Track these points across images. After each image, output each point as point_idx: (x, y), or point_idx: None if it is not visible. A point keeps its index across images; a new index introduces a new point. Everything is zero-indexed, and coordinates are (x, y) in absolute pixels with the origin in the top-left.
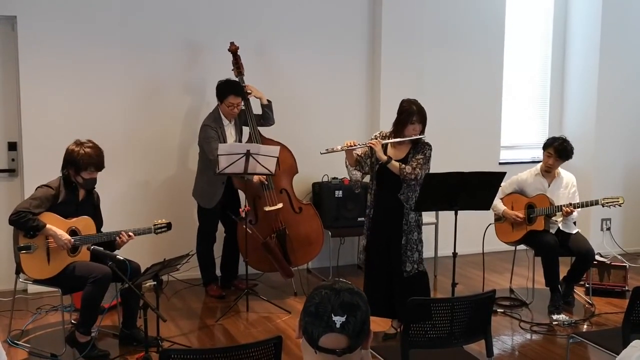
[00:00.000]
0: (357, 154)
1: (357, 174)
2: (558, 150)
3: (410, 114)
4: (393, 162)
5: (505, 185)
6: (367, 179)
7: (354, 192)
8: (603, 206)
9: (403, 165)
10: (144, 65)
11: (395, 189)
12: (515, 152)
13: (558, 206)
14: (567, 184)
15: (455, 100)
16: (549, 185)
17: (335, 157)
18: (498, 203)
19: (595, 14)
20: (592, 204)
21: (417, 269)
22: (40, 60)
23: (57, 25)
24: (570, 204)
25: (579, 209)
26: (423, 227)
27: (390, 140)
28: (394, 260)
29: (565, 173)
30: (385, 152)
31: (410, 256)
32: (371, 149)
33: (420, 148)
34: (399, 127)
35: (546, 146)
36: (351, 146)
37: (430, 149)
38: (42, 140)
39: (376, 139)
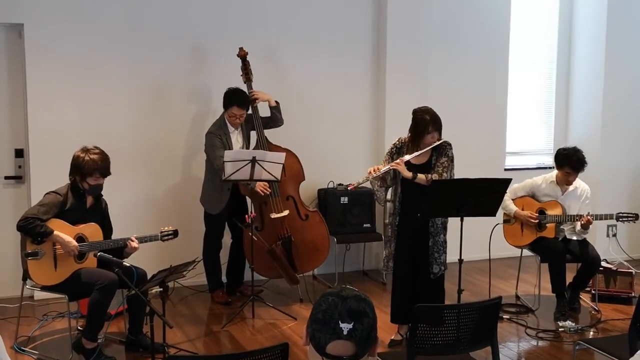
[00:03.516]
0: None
1: (382, 190)
2: (575, 167)
3: (426, 124)
4: (419, 176)
5: (518, 188)
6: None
7: (360, 198)
8: (618, 220)
9: (430, 176)
10: (151, 71)
11: (422, 194)
12: (521, 158)
13: (571, 216)
14: (582, 195)
15: (460, 106)
16: (562, 194)
17: (340, 162)
18: (510, 204)
19: (601, 19)
20: (606, 218)
21: (443, 271)
22: (47, 67)
23: (64, 32)
24: (589, 214)
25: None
26: None
27: (412, 156)
28: (421, 263)
29: (580, 183)
30: (407, 164)
31: (437, 258)
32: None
33: (442, 150)
34: (416, 138)
35: (562, 165)
36: (375, 173)
37: (451, 148)
38: (49, 147)
39: (395, 147)
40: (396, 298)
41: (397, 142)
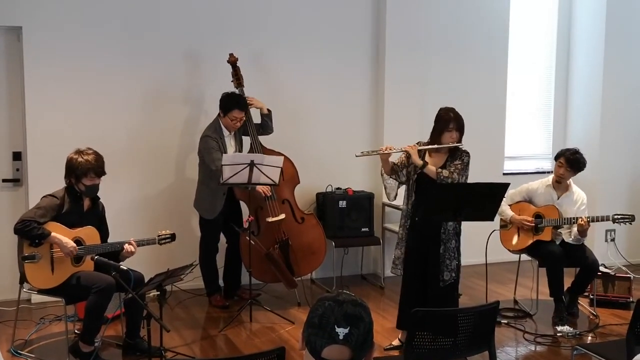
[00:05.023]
0: (393, 162)
1: (393, 183)
2: (569, 160)
3: (447, 121)
4: (429, 166)
5: (515, 193)
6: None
7: (358, 202)
8: (614, 222)
9: (439, 169)
10: (146, 75)
11: None
12: (519, 162)
13: (568, 218)
14: (577, 200)
15: (458, 110)
16: (558, 198)
17: (338, 166)
18: (506, 209)
19: (599, 23)
20: (602, 219)
21: (454, 278)
22: (45, 70)
23: (62, 36)
24: (585, 218)
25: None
26: None
27: (427, 147)
28: (432, 269)
29: (577, 189)
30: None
31: (448, 265)
32: (408, 158)
33: (458, 155)
34: (436, 135)
35: (558, 156)
36: (387, 151)
37: (468, 156)
38: (47, 150)
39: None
40: (402, 303)
41: (417, 145)
